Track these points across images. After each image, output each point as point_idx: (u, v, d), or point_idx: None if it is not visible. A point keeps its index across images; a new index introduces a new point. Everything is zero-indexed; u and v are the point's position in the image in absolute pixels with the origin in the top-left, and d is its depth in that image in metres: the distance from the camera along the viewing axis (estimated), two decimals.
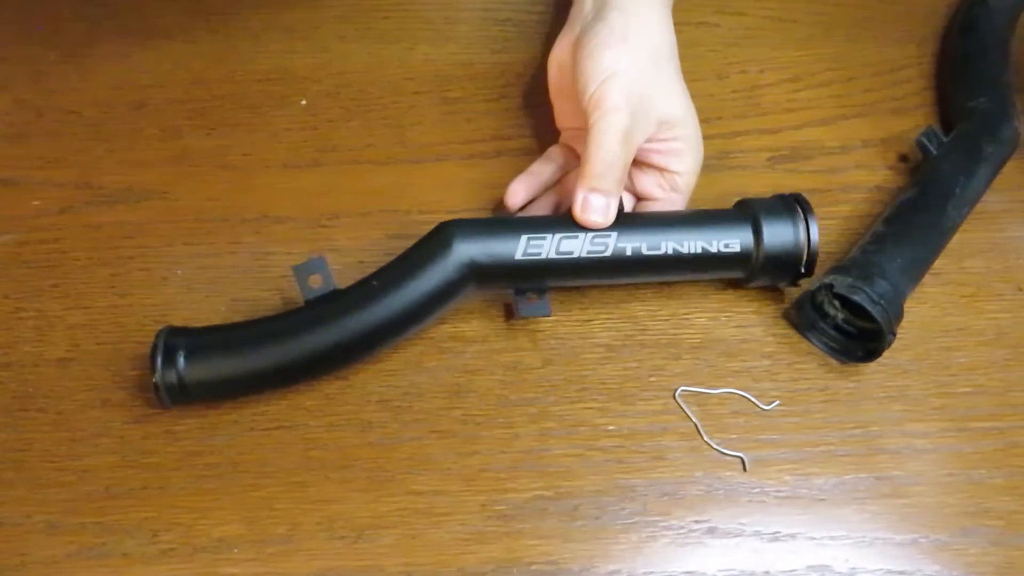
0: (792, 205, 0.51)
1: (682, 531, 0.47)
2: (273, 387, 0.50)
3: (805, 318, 0.53)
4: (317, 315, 0.48)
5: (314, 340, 0.48)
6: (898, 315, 0.50)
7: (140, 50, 0.66)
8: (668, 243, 0.50)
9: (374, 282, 0.49)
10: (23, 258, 0.56)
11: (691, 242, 0.50)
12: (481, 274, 0.49)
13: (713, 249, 0.50)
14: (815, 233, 0.51)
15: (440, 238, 0.49)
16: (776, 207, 0.51)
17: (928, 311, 0.55)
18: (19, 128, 0.62)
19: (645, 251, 0.50)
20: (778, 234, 0.51)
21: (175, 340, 0.47)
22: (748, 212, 0.52)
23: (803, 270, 0.51)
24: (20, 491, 0.48)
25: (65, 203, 0.59)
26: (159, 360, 0.46)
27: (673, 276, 0.53)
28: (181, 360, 0.46)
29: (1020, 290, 0.56)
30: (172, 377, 0.46)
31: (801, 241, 0.51)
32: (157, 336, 0.47)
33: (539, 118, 0.63)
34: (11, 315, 0.54)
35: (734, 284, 0.55)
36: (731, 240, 0.51)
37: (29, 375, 0.52)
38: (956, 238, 0.55)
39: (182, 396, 0.47)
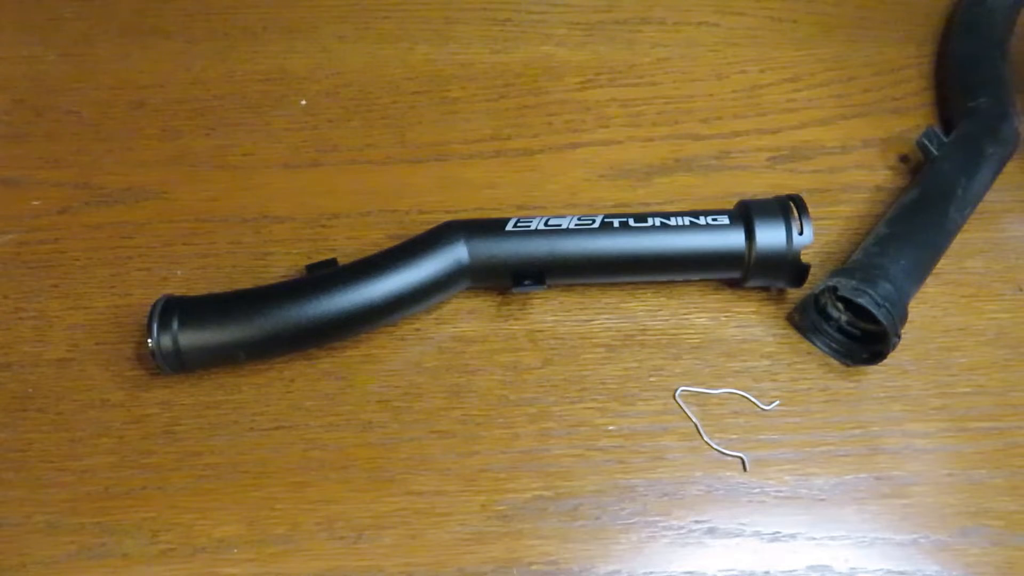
0: (787, 206, 0.51)
1: (682, 531, 0.47)
2: (270, 354, 0.51)
3: (808, 321, 0.53)
4: (315, 282, 0.49)
5: (311, 307, 0.48)
6: (902, 317, 0.50)
7: (140, 50, 0.67)
8: (655, 218, 0.51)
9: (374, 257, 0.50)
10: (23, 258, 0.56)
11: (678, 217, 0.51)
12: (473, 244, 0.50)
13: (701, 222, 0.51)
14: (809, 235, 0.51)
15: (439, 227, 0.52)
16: (770, 207, 0.52)
17: (928, 311, 0.55)
18: (19, 128, 0.62)
19: (633, 223, 0.51)
20: (770, 235, 0.51)
21: (171, 307, 0.48)
22: (742, 210, 0.52)
23: (798, 273, 0.52)
24: (20, 491, 0.48)
25: (65, 203, 0.59)
26: (155, 326, 0.47)
27: (669, 271, 0.53)
28: (176, 326, 0.47)
29: (1020, 290, 0.56)
30: (168, 343, 0.47)
31: (794, 243, 0.51)
32: (154, 304, 0.48)
33: (539, 118, 0.63)
34: (11, 315, 0.54)
35: (734, 284, 0.55)
36: (719, 217, 0.52)
37: (29, 375, 0.52)
38: (956, 238, 0.55)
39: (178, 362, 0.48)
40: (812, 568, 0.47)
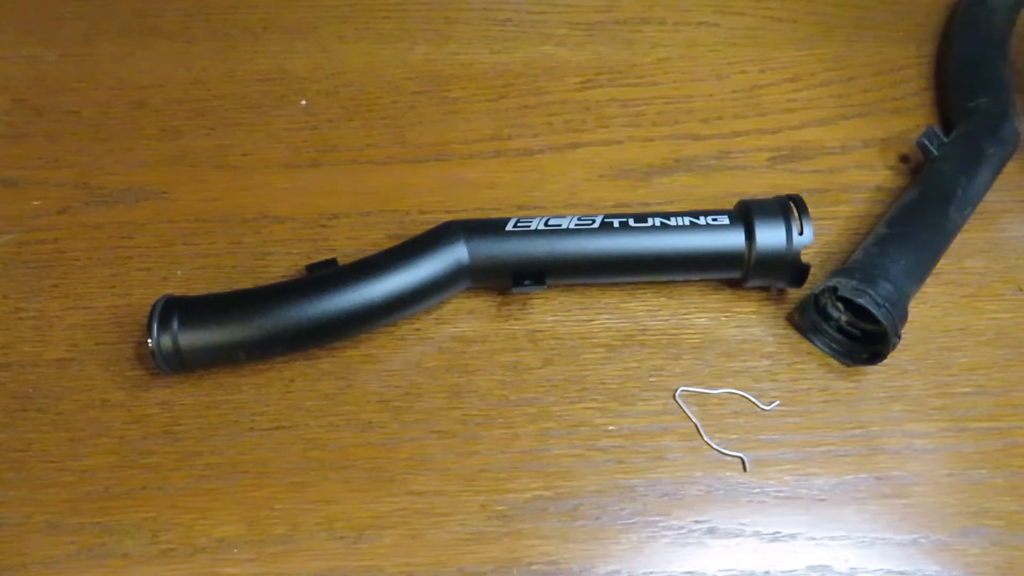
0: (787, 206, 0.51)
1: (682, 531, 0.47)
2: (270, 354, 0.51)
3: (809, 321, 0.53)
4: (315, 282, 0.49)
5: (311, 307, 0.48)
6: (902, 317, 0.50)
7: (140, 50, 0.67)
8: (655, 218, 0.51)
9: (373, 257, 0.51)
10: (23, 258, 0.56)
11: (678, 217, 0.51)
12: (473, 244, 0.50)
13: (701, 222, 0.51)
14: (809, 235, 0.51)
15: (439, 227, 0.52)
16: (770, 207, 0.52)
17: (928, 311, 0.55)
18: (19, 128, 0.62)
19: (633, 223, 0.51)
20: (770, 235, 0.51)
21: (171, 307, 0.48)
22: (742, 210, 0.52)
23: (798, 273, 0.52)
24: (20, 491, 0.48)
25: (65, 203, 0.59)
26: (155, 326, 0.47)
27: (669, 271, 0.53)
28: (176, 325, 0.47)
29: (1020, 290, 0.56)
30: (168, 343, 0.47)
31: (794, 243, 0.51)
32: (154, 304, 0.48)
33: (539, 118, 0.63)
34: (11, 315, 0.54)
35: (734, 284, 0.55)
36: (719, 217, 0.52)
37: (29, 375, 0.52)
38: (956, 238, 0.55)
39: (178, 362, 0.48)
40: (812, 568, 0.47)
